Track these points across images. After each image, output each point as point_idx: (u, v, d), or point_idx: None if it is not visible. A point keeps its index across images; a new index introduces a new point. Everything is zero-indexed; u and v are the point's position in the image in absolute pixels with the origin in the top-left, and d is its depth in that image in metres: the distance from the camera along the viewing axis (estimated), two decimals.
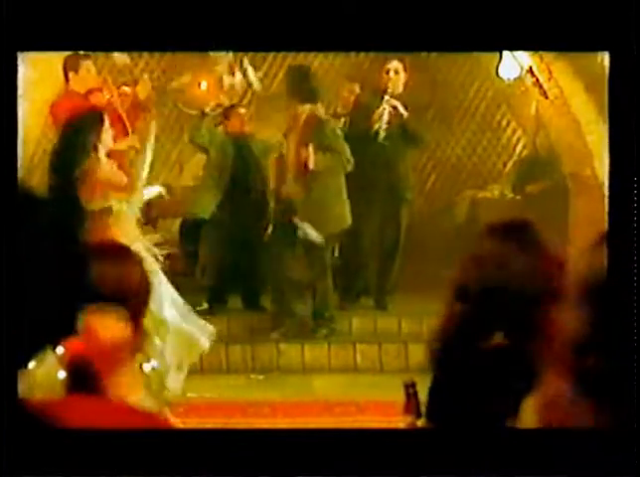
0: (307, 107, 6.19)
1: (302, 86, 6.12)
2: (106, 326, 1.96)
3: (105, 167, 5.08)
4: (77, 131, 5.08)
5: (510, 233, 2.19)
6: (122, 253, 2.20)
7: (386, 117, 6.87)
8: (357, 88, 7.52)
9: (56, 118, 6.52)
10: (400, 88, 6.98)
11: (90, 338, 1.89)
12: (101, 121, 5.12)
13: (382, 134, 6.89)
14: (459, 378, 2.17)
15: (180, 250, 7.56)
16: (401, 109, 6.88)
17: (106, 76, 6.69)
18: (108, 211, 5.02)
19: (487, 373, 2.12)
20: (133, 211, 5.18)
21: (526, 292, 2.09)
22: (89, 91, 6.37)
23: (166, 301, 5.04)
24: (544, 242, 2.18)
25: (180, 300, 5.20)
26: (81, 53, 6.33)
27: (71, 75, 6.42)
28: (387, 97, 6.88)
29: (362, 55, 8.58)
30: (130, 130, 6.12)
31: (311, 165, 6.20)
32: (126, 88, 6.62)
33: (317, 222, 6.28)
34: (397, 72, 6.95)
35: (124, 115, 6.19)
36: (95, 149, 5.01)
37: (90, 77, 6.45)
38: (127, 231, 5.03)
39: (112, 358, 1.99)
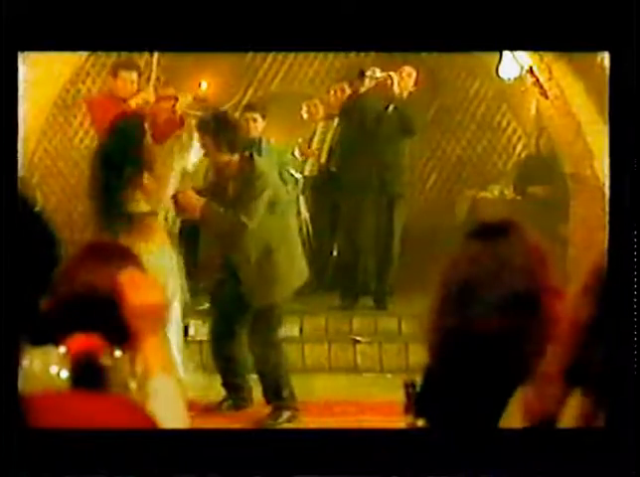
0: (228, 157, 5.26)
1: (225, 137, 5.18)
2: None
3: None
4: (127, 130, 5.07)
5: (493, 234, 2.18)
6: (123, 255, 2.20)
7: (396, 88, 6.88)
8: (346, 87, 7.49)
9: (96, 116, 6.56)
10: (405, 94, 7.00)
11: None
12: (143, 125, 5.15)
13: (391, 108, 6.86)
14: (455, 377, 2.17)
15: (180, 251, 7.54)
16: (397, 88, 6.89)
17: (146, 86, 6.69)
18: (154, 214, 4.97)
19: (485, 372, 2.12)
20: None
21: (514, 291, 2.08)
22: (128, 98, 6.42)
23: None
24: (529, 241, 2.17)
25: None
26: (133, 58, 6.60)
27: (110, 79, 6.60)
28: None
29: (359, 56, 8.57)
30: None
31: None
32: (165, 103, 6.44)
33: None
34: (409, 75, 7.00)
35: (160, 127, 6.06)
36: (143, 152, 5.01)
37: (127, 87, 6.48)
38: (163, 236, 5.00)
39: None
